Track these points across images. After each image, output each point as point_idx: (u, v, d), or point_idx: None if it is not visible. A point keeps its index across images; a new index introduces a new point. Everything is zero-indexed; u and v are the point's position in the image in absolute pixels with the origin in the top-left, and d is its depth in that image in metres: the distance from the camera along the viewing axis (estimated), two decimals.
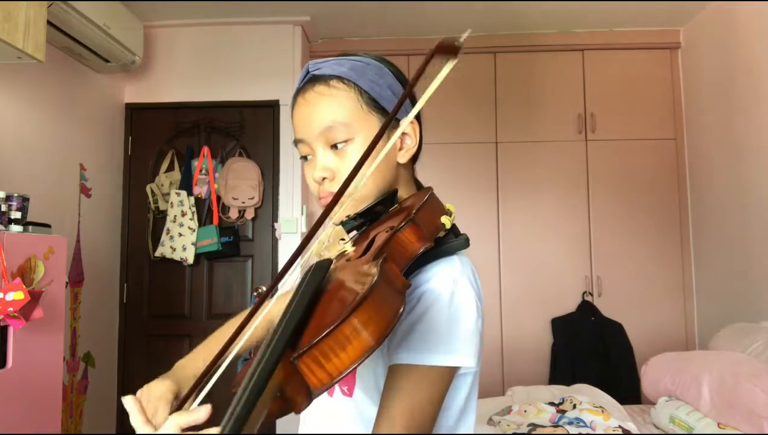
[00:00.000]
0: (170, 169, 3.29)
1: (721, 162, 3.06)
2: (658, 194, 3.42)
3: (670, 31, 3.48)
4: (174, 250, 3.13)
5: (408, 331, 0.65)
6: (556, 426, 2.02)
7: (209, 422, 0.57)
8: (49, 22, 2.26)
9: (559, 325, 3.34)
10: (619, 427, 1.98)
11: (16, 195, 2.00)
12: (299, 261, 0.59)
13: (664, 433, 2.13)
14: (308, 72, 0.78)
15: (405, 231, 0.61)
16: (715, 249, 3.14)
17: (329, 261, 0.60)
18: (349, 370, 0.46)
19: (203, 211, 3.22)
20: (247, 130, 3.31)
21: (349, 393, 0.72)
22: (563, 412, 2.11)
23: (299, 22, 3.30)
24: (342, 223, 0.71)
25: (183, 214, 3.15)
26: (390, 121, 0.57)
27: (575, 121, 3.48)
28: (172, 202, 3.16)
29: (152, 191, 3.25)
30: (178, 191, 3.17)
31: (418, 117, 0.79)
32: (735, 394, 1.87)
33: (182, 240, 3.13)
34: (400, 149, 0.79)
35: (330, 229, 0.64)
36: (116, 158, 3.29)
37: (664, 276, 3.37)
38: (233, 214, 3.22)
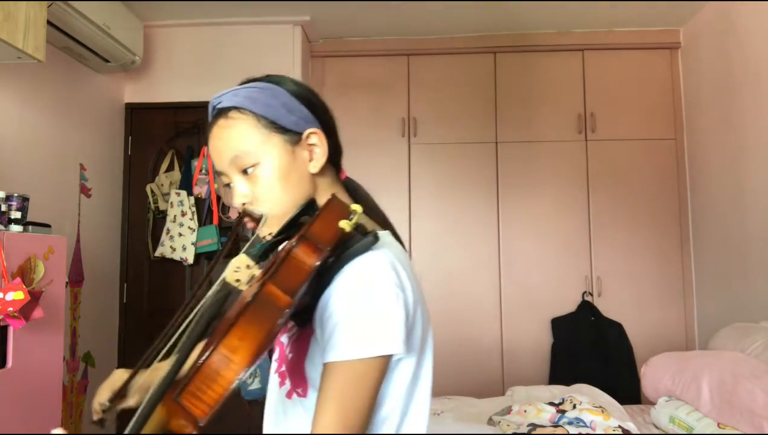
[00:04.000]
0: (170, 169, 3.29)
1: (721, 162, 3.06)
2: (657, 194, 3.41)
3: (670, 31, 3.48)
4: (174, 250, 3.13)
5: (331, 333, 0.69)
6: (556, 426, 2.02)
7: None
8: (49, 22, 2.26)
9: (559, 325, 3.33)
10: (619, 427, 1.98)
11: (16, 195, 2.00)
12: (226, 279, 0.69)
13: (664, 433, 2.12)
14: (214, 107, 0.84)
15: (298, 248, 0.65)
16: (715, 249, 3.14)
17: (225, 294, 0.67)
18: (227, 393, 0.52)
19: (203, 211, 3.22)
20: None
21: (304, 394, 0.76)
22: (563, 412, 2.11)
23: (299, 22, 3.30)
24: (261, 244, 0.77)
25: (183, 214, 3.15)
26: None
27: (575, 121, 3.48)
28: (172, 202, 3.16)
29: (152, 191, 3.24)
30: (178, 191, 3.17)
31: (325, 125, 0.84)
32: (735, 394, 1.87)
33: (182, 240, 3.13)
34: (311, 160, 0.82)
35: (237, 257, 0.69)
36: (116, 158, 3.28)
37: (664, 276, 3.36)
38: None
